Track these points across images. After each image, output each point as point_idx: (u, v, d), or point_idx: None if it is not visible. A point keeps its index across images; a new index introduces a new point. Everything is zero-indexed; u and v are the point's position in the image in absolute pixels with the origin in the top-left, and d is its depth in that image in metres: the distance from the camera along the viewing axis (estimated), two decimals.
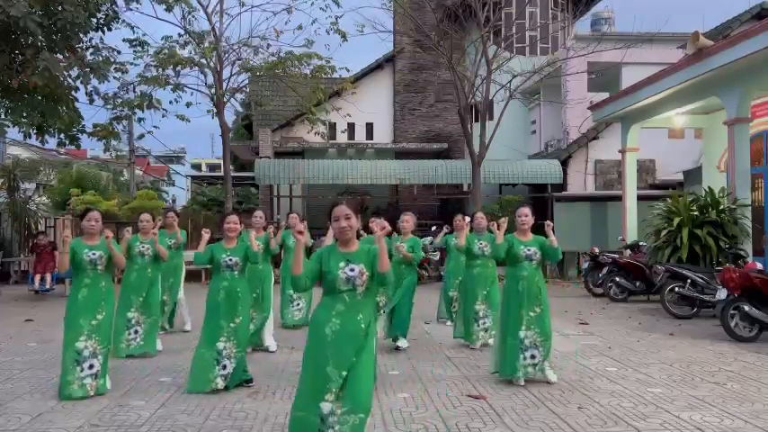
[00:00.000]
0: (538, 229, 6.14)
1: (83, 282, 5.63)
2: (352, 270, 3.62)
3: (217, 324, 5.70)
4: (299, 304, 9.07)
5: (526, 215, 6.09)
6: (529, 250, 5.99)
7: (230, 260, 5.83)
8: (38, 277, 13.15)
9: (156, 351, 7.34)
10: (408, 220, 7.64)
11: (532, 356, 5.85)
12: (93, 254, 5.65)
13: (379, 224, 3.71)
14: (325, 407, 3.48)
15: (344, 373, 3.51)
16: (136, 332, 7.28)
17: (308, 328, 3.74)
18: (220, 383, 5.63)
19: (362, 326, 3.60)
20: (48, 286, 13.19)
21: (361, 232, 6.34)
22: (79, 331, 5.50)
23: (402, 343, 7.42)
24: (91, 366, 5.50)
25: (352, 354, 3.54)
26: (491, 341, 7.52)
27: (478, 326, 7.68)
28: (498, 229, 6.17)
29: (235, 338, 5.72)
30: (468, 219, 8.93)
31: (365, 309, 3.66)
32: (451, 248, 9.05)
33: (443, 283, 9.53)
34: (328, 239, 4.61)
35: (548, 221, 6.18)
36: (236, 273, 5.85)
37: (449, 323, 9.15)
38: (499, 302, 6.43)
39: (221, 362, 5.65)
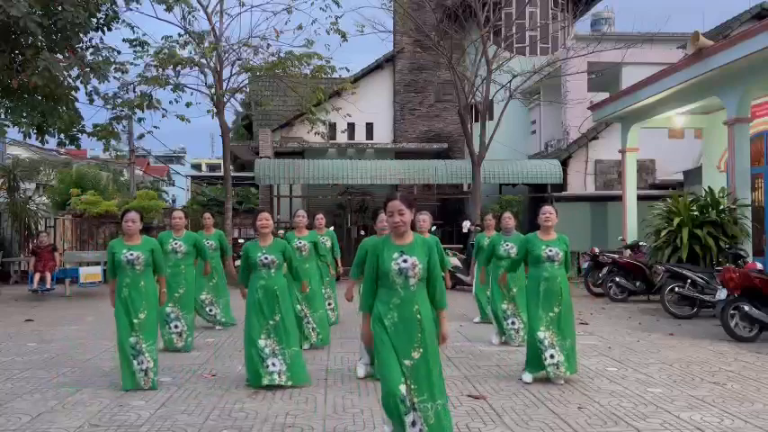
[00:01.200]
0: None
1: (123, 281, 5.79)
2: (405, 261, 3.72)
3: (257, 321, 5.76)
4: (330, 304, 8.70)
5: (550, 213, 5.99)
6: (551, 251, 5.89)
7: (266, 258, 5.81)
8: (37, 276, 13.13)
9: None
10: (426, 220, 7.61)
11: (551, 356, 5.83)
12: (131, 254, 5.76)
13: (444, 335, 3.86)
14: (402, 389, 3.68)
15: (406, 362, 3.69)
16: (177, 326, 7.47)
17: (372, 320, 3.86)
18: (276, 379, 5.70)
19: (419, 317, 3.73)
20: (48, 286, 13.17)
21: (361, 232, 6.41)
22: (129, 328, 5.72)
23: None
24: (141, 362, 5.71)
25: (411, 343, 3.71)
26: (517, 343, 7.58)
27: (509, 325, 7.72)
28: None
29: (275, 335, 5.76)
30: (490, 218, 8.99)
31: (420, 300, 3.77)
32: (483, 248, 9.00)
33: (476, 284, 9.38)
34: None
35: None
36: (272, 271, 5.83)
37: (476, 319, 9.34)
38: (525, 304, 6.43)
39: (267, 358, 5.71)
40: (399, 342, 3.71)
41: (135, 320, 5.73)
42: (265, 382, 5.67)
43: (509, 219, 7.93)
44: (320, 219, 8.83)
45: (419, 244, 3.79)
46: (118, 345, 5.76)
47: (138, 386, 5.67)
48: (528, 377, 5.88)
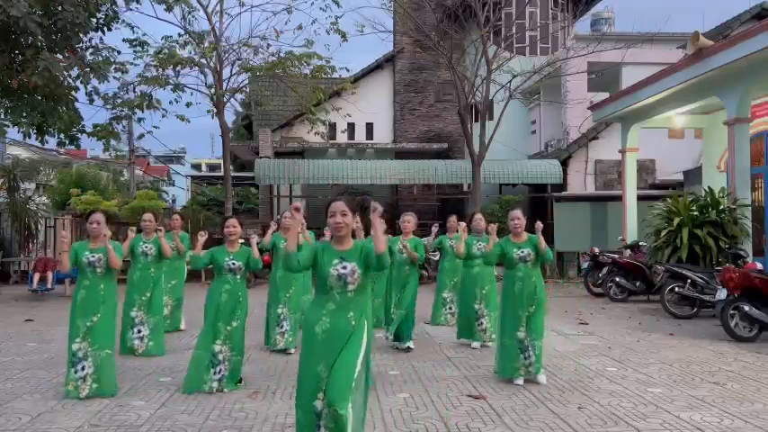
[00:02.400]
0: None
1: (82, 283, 5.66)
2: (344, 268, 3.65)
3: (214, 327, 5.72)
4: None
5: (518, 218, 6.07)
6: (522, 252, 5.98)
7: (233, 264, 5.82)
8: (37, 276, 13.12)
9: (165, 352, 7.40)
10: (410, 221, 7.66)
11: (527, 357, 5.86)
12: (93, 256, 5.65)
13: (375, 207, 3.67)
14: (318, 404, 3.53)
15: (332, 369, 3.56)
16: (139, 331, 7.36)
17: (302, 328, 3.78)
18: (215, 386, 5.67)
19: (352, 323, 3.63)
20: (48, 286, 13.17)
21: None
22: (76, 332, 5.52)
23: (411, 344, 7.45)
24: (82, 368, 5.47)
25: (338, 350, 3.57)
26: (490, 343, 7.56)
27: (479, 325, 7.72)
28: (491, 233, 6.22)
29: (230, 342, 5.75)
30: (453, 220, 8.96)
31: (356, 307, 3.67)
32: (446, 249, 9.04)
33: (437, 285, 9.42)
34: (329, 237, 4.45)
35: (538, 223, 6.09)
36: (238, 277, 5.85)
37: (430, 325, 9.18)
38: (497, 303, 6.44)
39: (217, 365, 5.67)
40: (328, 349, 3.56)
41: (88, 323, 5.50)
42: (206, 388, 5.62)
43: (480, 221, 7.99)
44: (296, 217, 8.66)
45: (357, 249, 3.72)
46: (68, 351, 5.54)
47: (72, 396, 5.38)
48: (519, 380, 5.87)
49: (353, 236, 3.87)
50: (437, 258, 14.23)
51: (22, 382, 6.03)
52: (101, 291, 5.63)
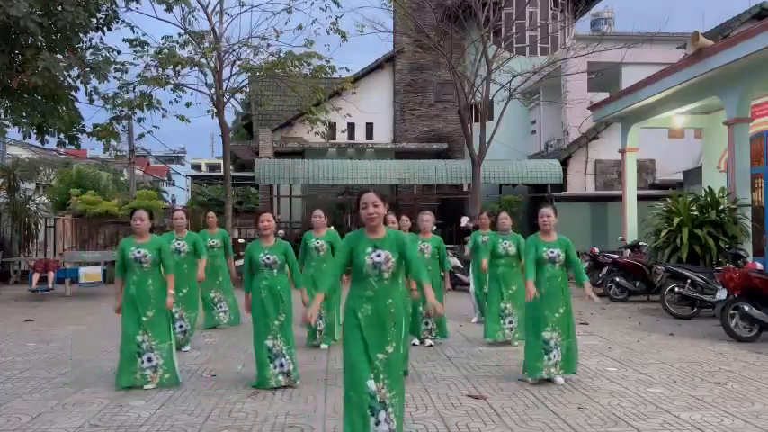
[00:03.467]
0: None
1: (131, 279, 5.81)
2: (378, 256, 3.76)
3: (263, 323, 5.77)
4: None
5: (548, 215, 5.97)
6: (552, 252, 5.89)
7: (268, 258, 5.86)
8: (37, 276, 13.11)
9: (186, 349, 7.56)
10: (428, 219, 7.65)
11: (554, 356, 5.84)
12: (139, 252, 5.77)
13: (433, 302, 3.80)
14: (371, 385, 3.69)
15: (380, 356, 3.71)
16: (181, 326, 7.54)
17: (344, 315, 3.90)
18: (283, 380, 5.72)
19: (392, 310, 3.76)
20: (49, 286, 13.16)
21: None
22: (136, 326, 5.70)
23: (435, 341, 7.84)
24: (149, 359, 5.71)
25: (385, 337, 3.73)
26: (516, 343, 7.60)
27: (505, 323, 7.72)
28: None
29: (282, 335, 5.79)
30: (485, 216, 8.99)
31: (394, 293, 3.80)
32: (479, 247, 9.03)
33: (473, 283, 9.40)
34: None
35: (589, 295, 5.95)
36: (275, 271, 5.87)
37: (474, 319, 9.32)
38: (524, 303, 6.44)
39: (275, 360, 5.73)
40: (373, 336, 3.71)
41: (144, 318, 5.73)
42: (272, 383, 5.67)
43: (505, 219, 8.00)
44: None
45: (391, 238, 3.85)
46: (121, 341, 5.75)
47: (136, 384, 5.66)
48: (531, 379, 5.88)
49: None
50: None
51: (22, 382, 6.02)
52: (149, 285, 5.81)
